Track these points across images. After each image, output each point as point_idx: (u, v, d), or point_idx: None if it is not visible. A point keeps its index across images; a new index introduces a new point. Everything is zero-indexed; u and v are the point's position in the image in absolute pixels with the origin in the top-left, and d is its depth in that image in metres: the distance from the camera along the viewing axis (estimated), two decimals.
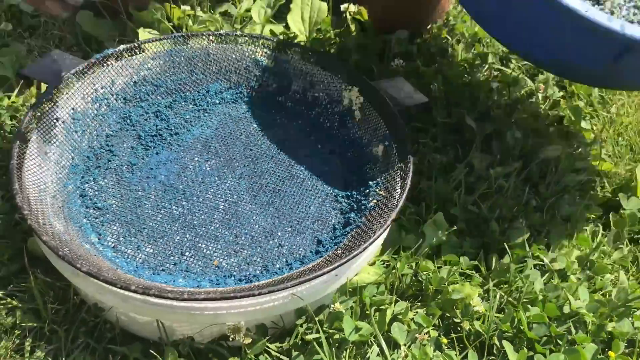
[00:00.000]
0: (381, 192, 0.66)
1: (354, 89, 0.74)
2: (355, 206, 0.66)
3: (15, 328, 0.58)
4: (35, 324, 0.58)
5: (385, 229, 0.59)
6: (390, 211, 0.61)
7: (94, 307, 0.60)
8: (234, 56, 0.76)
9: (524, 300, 0.66)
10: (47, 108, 0.66)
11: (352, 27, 0.93)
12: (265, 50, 0.76)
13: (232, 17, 0.92)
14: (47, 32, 0.94)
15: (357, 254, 0.56)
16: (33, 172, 0.62)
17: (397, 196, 0.63)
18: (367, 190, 0.67)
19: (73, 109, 0.68)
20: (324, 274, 0.55)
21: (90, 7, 0.93)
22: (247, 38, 0.76)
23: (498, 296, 0.65)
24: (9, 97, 0.79)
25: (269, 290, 0.53)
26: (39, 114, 0.65)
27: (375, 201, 0.65)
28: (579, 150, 0.86)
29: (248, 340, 0.55)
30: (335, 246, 0.62)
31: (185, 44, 0.74)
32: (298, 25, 0.92)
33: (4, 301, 0.60)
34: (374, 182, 0.67)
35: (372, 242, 0.58)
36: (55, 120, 0.66)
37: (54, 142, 0.66)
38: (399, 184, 0.65)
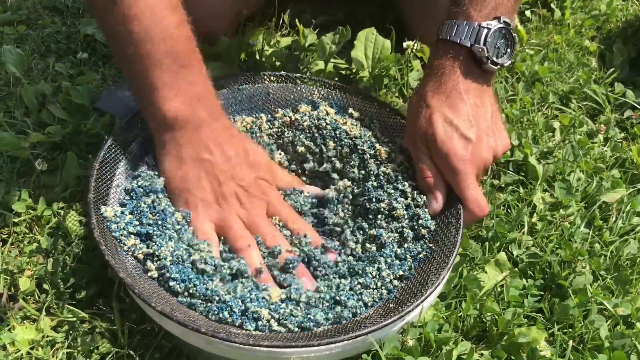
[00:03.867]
0: (431, 245, 0.66)
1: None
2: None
3: (93, 352, 0.61)
4: (112, 349, 0.61)
5: (436, 287, 0.60)
6: (442, 269, 0.61)
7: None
8: (292, 96, 0.78)
9: (589, 346, 0.66)
10: (120, 141, 0.68)
11: (414, 64, 0.95)
12: (322, 92, 0.78)
13: (297, 52, 0.95)
14: None
15: (405, 313, 0.58)
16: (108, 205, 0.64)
17: (447, 252, 0.63)
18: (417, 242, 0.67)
19: (143, 140, 0.70)
20: (365, 334, 0.56)
21: None
22: (306, 79, 0.79)
23: (563, 341, 0.65)
24: (85, 125, 0.83)
25: (327, 342, 0.55)
26: (113, 146, 0.67)
27: (424, 253, 0.65)
28: None
29: None
30: (389, 295, 0.63)
31: (247, 83, 0.76)
32: (361, 61, 0.94)
33: (84, 324, 0.63)
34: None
35: (422, 301, 0.59)
36: (127, 154, 0.68)
37: (125, 175, 0.67)
38: (451, 239, 0.64)
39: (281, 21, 1.03)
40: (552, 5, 1.18)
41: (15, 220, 0.71)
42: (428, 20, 0.95)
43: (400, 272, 0.64)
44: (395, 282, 0.63)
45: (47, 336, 0.62)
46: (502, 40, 0.67)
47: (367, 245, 0.67)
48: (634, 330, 0.68)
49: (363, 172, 0.72)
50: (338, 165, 0.74)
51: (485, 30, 0.65)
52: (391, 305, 0.61)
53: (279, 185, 0.70)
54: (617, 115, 0.98)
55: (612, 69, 1.04)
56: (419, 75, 0.93)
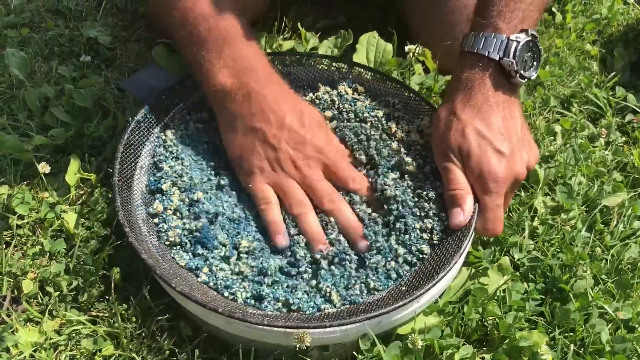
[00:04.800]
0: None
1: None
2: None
3: (96, 354, 0.61)
4: (114, 351, 0.61)
5: (448, 271, 0.61)
6: (455, 253, 0.62)
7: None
8: (312, 77, 0.79)
9: (590, 350, 0.66)
10: (144, 124, 0.71)
11: (416, 67, 0.95)
12: (342, 72, 0.80)
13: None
14: (123, 65, 0.98)
15: (418, 295, 0.59)
16: (131, 189, 0.67)
17: (461, 237, 0.64)
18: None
19: (166, 124, 0.72)
20: (378, 315, 0.58)
21: (164, 43, 0.97)
22: (325, 60, 0.81)
23: (564, 345, 0.65)
24: (88, 128, 0.83)
25: (339, 323, 0.57)
26: (137, 130, 0.70)
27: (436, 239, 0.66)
28: None
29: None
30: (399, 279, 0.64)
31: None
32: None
33: (86, 326, 0.63)
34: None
35: (434, 285, 0.60)
36: (150, 136, 0.71)
37: (148, 157, 0.70)
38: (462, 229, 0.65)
39: (283, 25, 1.03)
40: (553, 9, 1.18)
41: (19, 222, 0.72)
42: (431, 22, 0.96)
43: (424, 247, 0.65)
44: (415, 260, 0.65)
45: (50, 339, 0.62)
46: (529, 53, 0.67)
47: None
48: (635, 334, 0.68)
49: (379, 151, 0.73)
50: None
51: (515, 44, 0.65)
52: (403, 288, 0.62)
53: None
54: (618, 119, 0.98)
55: (614, 73, 1.04)
56: (421, 79, 0.93)
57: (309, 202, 0.66)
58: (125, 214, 0.62)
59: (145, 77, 0.76)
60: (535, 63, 0.68)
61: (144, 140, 0.70)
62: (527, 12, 0.67)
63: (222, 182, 0.69)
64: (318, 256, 0.63)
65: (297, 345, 0.56)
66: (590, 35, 1.14)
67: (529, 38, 0.66)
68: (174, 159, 0.70)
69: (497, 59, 0.66)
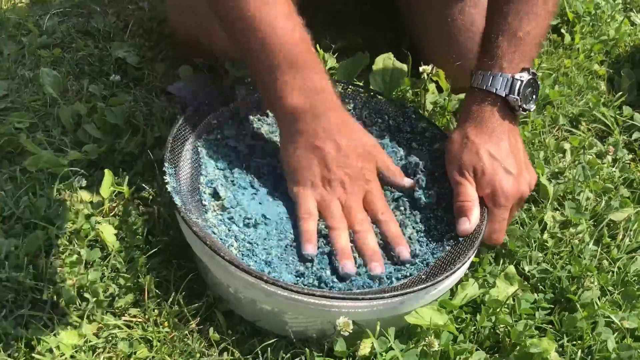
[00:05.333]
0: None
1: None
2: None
3: (131, 357, 0.65)
4: (149, 354, 0.65)
5: (463, 264, 0.68)
6: (468, 250, 0.70)
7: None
8: None
9: (597, 357, 0.69)
10: (189, 122, 0.79)
11: (430, 87, 0.99)
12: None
13: None
14: (150, 84, 1.03)
15: (437, 281, 0.66)
16: (179, 166, 0.74)
17: (473, 238, 0.72)
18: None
19: (207, 123, 0.81)
20: (402, 294, 0.64)
21: (190, 62, 1.02)
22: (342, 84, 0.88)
23: (573, 352, 0.68)
24: (119, 144, 0.88)
25: (370, 297, 0.64)
26: (183, 125, 0.78)
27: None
28: None
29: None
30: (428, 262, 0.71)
31: None
32: (379, 85, 0.99)
33: (122, 330, 0.67)
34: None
35: (453, 273, 0.67)
36: (193, 132, 0.79)
37: (195, 140, 0.79)
38: (476, 228, 0.73)
39: None
40: (562, 31, 1.22)
41: (57, 233, 0.76)
42: (441, 43, 1.00)
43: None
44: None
45: (89, 341, 0.66)
46: (530, 89, 0.76)
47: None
48: None
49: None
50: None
51: (519, 83, 0.75)
52: (422, 276, 0.68)
53: (383, 174, 0.77)
54: (625, 137, 1.02)
55: (621, 93, 1.08)
56: (434, 97, 0.98)
57: (345, 223, 0.73)
58: (173, 187, 0.69)
59: (189, 83, 0.86)
60: (534, 97, 0.77)
61: (188, 135, 0.78)
62: (526, 52, 0.76)
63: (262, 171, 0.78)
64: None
65: (340, 331, 0.63)
66: (598, 55, 1.18)
67: (530, 76, 0.75)
68: (218, 153, 0.78)
69: (504, 95, 0.75)
